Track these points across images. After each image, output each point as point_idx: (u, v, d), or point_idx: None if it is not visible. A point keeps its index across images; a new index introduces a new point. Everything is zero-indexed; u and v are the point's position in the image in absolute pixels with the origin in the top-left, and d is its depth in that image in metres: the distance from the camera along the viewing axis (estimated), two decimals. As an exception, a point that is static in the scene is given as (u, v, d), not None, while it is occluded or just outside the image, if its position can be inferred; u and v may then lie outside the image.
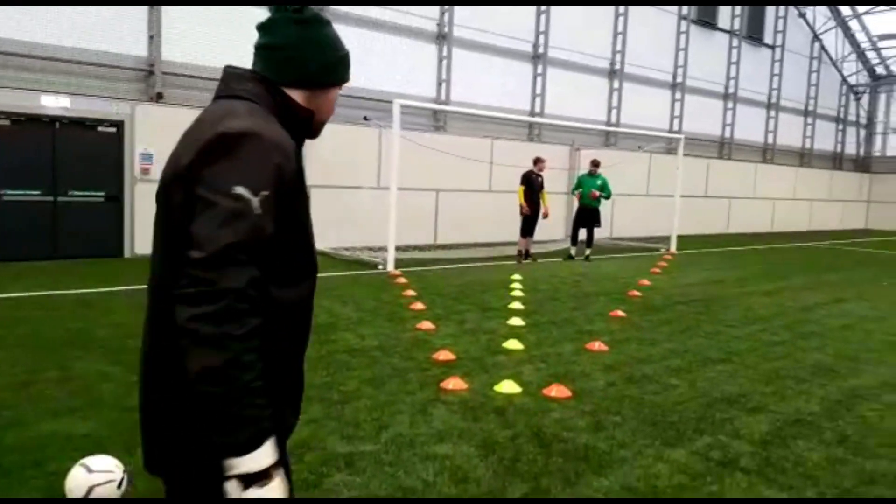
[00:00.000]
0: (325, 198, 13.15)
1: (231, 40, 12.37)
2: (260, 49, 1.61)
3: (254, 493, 1.30)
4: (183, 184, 1.41)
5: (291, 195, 1.46)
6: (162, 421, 1.49)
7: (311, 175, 13.17)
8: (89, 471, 3.05)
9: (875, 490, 3.46)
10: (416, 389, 4.80)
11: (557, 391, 4.84)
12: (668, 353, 6.23)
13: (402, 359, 5.62)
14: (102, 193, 11.17)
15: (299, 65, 1.59)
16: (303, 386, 1.66)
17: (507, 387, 4.89)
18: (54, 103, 10.52)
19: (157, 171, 11.55)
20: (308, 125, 1.65)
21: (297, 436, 3.85)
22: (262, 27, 1.61)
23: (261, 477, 1.31)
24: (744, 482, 3.51)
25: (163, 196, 1.48)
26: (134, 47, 11.54)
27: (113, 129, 11.16)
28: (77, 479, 3.04)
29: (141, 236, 11.49)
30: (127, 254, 11.45)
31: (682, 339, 6.84)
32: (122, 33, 11.33)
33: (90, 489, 3.01)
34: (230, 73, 1.60)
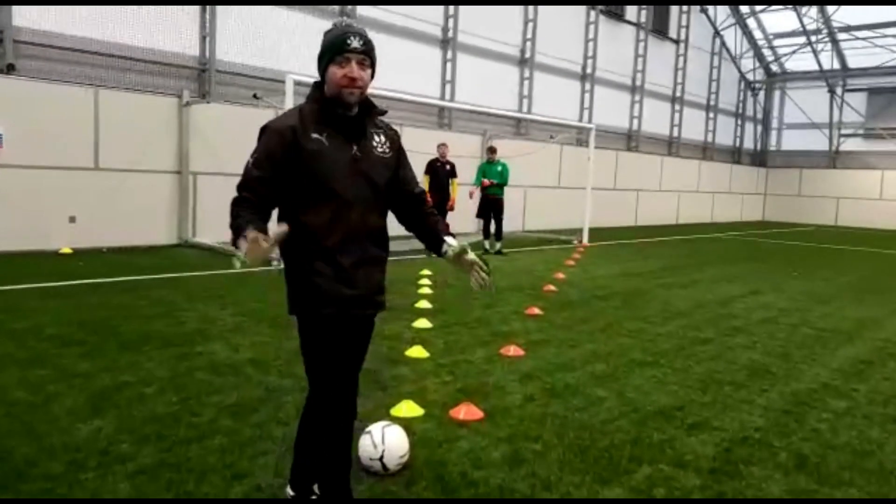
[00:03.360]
0: (214, 185, 11.85)
1: (95, 7, 10.83)
2: None
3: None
4: None
5: (288, 155, 2.38)
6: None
7: (198, 162, 11.86)
8: None
9: (857, 536, 2.80)
10: (292, 418, 3.81)
11: (467, 412, 3.99)
12: (591, 355, 5.53)
13: (280, 376, 4.61)
14: (-63, 180, 9.47)
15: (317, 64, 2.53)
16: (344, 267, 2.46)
17: (407, 409, 3.99)
18: None
19: (10, 154, 9.91)
20: (333, 101, 2.43)
21: (113, 496, 2.81)
22: None
23: None
24: (700, 533, 2.76)
25: None
26: (-23, 11, 9.85)
27: (-52, 104, 9.47)
28: None
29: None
30: (-29, 251, 9.78)
31: (604, 338, 6.17)
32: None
33: None
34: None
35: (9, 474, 3.01)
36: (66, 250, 10.41)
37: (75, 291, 7.37)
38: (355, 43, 2.38)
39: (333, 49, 2.38)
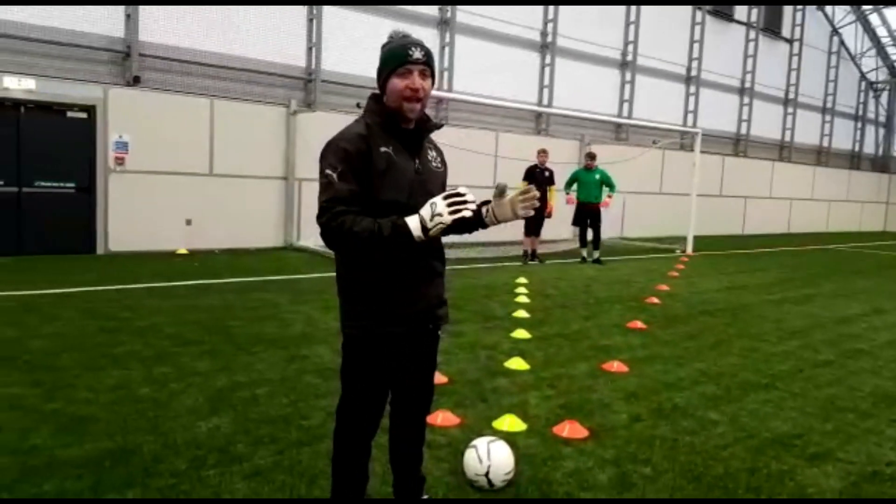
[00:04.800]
0: (317, 191, 12.24)
1: (211, 22, 11.47)
2: None
3: None
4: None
5: (363, 167, 2.30)
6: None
7: (303, 169, 12.30)
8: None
9: None
10: (396, 425, 3.87)
11: (571, 430, 3.91)
12: (700, 375, 5.30)
13: (383, 382, 4.69)
14: (73, 184, 10.29)
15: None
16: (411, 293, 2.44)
17: (509, 423, 3.96)
18: (18, 85, 9.63)
19: (134, 160, 10.66)
20: (395, 113, 2.39)
21: (231, 496, 2.94)
22: None
23: None
24: (830, 578, 2.58)
25: None
26: (109, 27, 10.62)
27: (83, 115, 10.27)
28: None
29: (116, 231, 10.59)
30: (100, 250, 10.56)
31: (714, 357, 5.90)
32: (95, 12, 10.42)
33: None
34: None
35: (138, 469, 3.21)
36: (182, 251, 11.06)
37: (191, 291, 7.80)
38: (417, 53, 2.33)
39: (395, 60, 2.34)
